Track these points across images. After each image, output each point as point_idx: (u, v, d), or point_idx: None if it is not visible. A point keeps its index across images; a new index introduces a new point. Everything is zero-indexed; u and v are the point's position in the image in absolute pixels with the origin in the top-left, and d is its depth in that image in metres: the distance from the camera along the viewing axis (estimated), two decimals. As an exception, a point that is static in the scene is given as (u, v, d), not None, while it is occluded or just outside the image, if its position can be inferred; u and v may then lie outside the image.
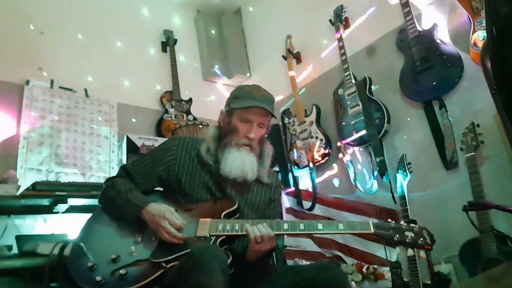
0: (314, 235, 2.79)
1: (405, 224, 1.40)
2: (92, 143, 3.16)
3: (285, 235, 2.37)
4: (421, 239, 1.35)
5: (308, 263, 2.52)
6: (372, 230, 1.36)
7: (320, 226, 1.38)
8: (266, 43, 4.11)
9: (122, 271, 1.34)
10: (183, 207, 1.50)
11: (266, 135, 1.65)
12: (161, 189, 1.65)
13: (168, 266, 1.33)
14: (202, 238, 1.39)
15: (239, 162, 1.52)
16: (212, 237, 1.39)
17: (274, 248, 1.44)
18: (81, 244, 1.43)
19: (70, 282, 1.40)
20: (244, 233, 1.38)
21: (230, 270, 1.30)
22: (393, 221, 1.40)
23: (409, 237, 1.35)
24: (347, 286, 1.33)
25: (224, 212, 1.47)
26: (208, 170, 1.57)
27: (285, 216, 2.74)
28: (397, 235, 1.36)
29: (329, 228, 1.39)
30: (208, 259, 1.18)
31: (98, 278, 1.33)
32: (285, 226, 1.40)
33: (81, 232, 1.51)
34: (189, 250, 1.32)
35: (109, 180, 1.62)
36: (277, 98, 3.86)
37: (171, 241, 1.37)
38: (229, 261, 1.31)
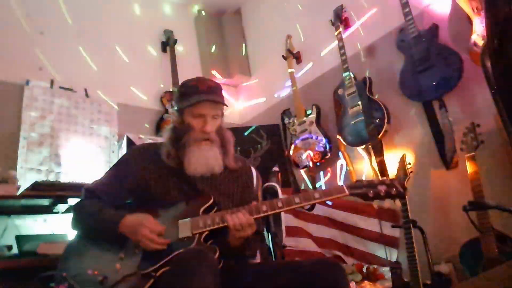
0: (314, 235, 2.79)
1: (376, 179, 1.47)
2: (92, 143, 3.16)
3: (284, 234, 2.38)
4: (394, 189, 1.44)
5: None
6: (347, 192, 1.42)
7: (297, 199, 1.41)
8: (266, 43, 4.11)
9: None
10: (160, 214, 1.47)
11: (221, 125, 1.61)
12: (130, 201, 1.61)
13: (157, 274, 1.32)
14: (185, 239, 1.38)
15: (203, 159, 1.50)
16: (195, 236, 1.39)
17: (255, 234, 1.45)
18: (64, 275, 1.38)
19: None
20: (225, 224, 1.38)
21: (219, 264, 1.30)
22: (365, 179, 1.47)
23: (382, 191, 1.43)
24: (346, 283, 1.32)
25: (202, 209, 1.45)
26: (174, 173, 1.54)
27: (285, 216, 2.73)
28: (371, 191, 1.43)
29: (306, 199, 1.42)
30: (196, 263, 1.17)
31: None
32: (264, 208, 1.41)
33: (61, 262, 1.46)
34: (175, 253, 1.31)
35: (76, 205, 1.56)
36: (277, 98, 3.87)
37: (155, 248, 1.35)
38: (216, 255, 1.31)
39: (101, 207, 1.48)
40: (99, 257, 1.41)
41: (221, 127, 1.58)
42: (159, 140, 3.16)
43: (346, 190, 1.42)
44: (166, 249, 1.36)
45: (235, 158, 1.64)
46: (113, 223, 1.41)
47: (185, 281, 1.14)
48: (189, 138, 1.52)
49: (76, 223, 1.52)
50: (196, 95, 1.51)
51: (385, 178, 1.49)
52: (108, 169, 1.64)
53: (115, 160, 3.17)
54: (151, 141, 3.11)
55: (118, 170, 1.58)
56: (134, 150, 1.65)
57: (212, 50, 4.18)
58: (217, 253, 1.33)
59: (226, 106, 1.58)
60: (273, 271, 1.41)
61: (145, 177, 1.54)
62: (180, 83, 3.90)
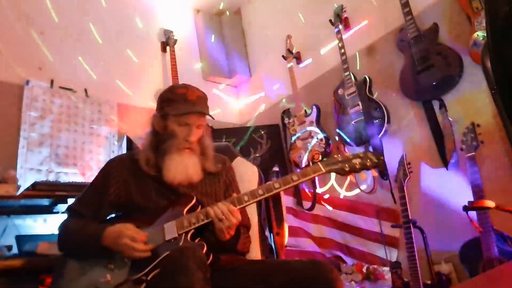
0: (314, 235, 2.80)
1: (350, 154, 1.52)
2: (92, 143, 3.16)
3: (287, 233, 2.38)
4: (368, 160, 1.49)
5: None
6: (324, 169, 1.44)
7: (277, 185, 1.42)
8: (266, 43, 4.11)
9: None
10: (144, 221, 1.46)
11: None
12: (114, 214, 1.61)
13: (149, 277, 1.31)
14: (172, 240, 1.37)
15: (182, 167, 1.50)
16: (181, 235, 1.38)
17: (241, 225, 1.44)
18: None
19: None
20: (209, 219, 1.38)
21: (208, 260, 1.30)
22: (339, 156, 1.51)
23: (357, 163, 1.47)
24: (339, 284, 1.31)
25: (186, 209, 1.45)
26: (154, 180, 1.54)
27: (285, 216, 2.74)
28: (346, 165, 1.46)
29: (286, 184, 1.43)
30: (184, 260, 1.16)
31: None
32: (246, 198, 1.42)
33: (53, 281, 1.46)
34: (164, 255, 1.31)
35: (61, 226, 1.55)
36: (277, 98, 3.87)
37: (138, 256, 1.35)
38: (204, 250, 1.31)
39: (84, 224, 1.49)
40: (89, 271, 1.41)
41: (202, 135, 1.59)
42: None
43: (322, 168, 1.44)
44: (153, 253, 1.35)
45: (215, 160, 1.63)
46: (96, 237, 1.40)
47: (175, 279, 1.14)
48: (171, 145, 1.52)
49: (62, 243, 1.52)
50: (184, 104, 1.50)
51: (358, 152, 1.52)
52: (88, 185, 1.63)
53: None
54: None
55: (97, 185, 1.57)
56: (109, 163, 1.63)
57: (212, 50, 4.18)
58: (205, 248, 1.33)
59: (213, 118, 1.58)
60: (265, 270, 1.39)
61: (125, 188, 1.53)
62: (179, 83, 3.89)
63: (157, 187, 1.53)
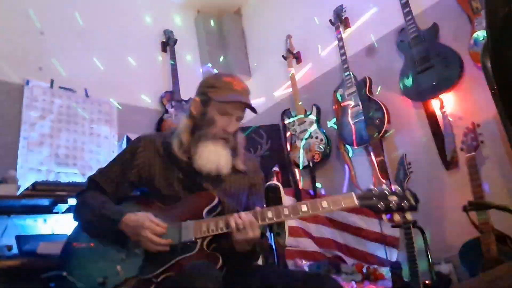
0: (314, 235, 2.79)
1: (387, 189, 1.37)
2: (92, 143, 3.16)
3: (286, 236, 2.37)
4: (405, 201, 1.35)
5: (308, 263, 2.52)
6: (357, 203, 1.34)
7: (304, 208, 1.34)
8: (266, 43, 4.11)
9: None
10: (162, 209, 1.43)
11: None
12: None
13: (158, 279, 1.29)
14: (188, 243, 1.34)
15: (215, 157, 1.45)
16: (198, 240, 1.35)
17: (259, 239, 1.39)
18: (64, 273, 1.36)
19: None
20: (229, 230, 1.33)
21: (222, 272, 1.28)
22: (375, 188, 1.38)
23: (393, 202, 1.34)
24: None
25: (206, 210, 1.41)
26: (181, 166, 1.49)
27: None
28: (381, 203, 1.34)
29: (314, 208, 1.34)
30: (201, 283, 1.13)
31: None
32: (269, 214, 1.35)
33: (62, 257, 1.43)
34: (177, 259, 1.30)
35: (80, 196, 1.52)
36: (277, 98, 3.87)
37: (156, 249, 1.32)
38: (219, 265, 1.29)
39: (103, 202, 1.44)
40: (100, 257, 1.38)
41: (238, 130, 1.55)
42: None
43: (356, 201, 1.34)
44: (167, 252, 1.33)
45: (245, 159, 1.59)
46: (114, 220, 1.37)
47: None
48: (207, 133, 1.47)
49: (78, 215, 1.49)
50: (230, 93, 1.46)
51: (397, 187, 1.38)
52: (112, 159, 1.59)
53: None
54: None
55: (123, 162, 1.53)
56: (139, 141, 1.56)
57: (212, 50, 4.17)
58: (220, 262, 1.30)
59: (256, 113, 1.53)
60: (266, 278, 1.37)
61: (149, 170, 1.49)
62: (179, 83, 3.89)
63: (182, 177, 1.49)
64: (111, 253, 1.38)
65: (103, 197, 1.47)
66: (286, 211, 1.35)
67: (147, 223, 1.33)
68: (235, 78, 1.53)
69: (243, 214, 1.34)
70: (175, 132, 1.54)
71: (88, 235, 1.44)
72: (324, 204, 1.35)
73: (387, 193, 1.36)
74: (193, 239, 1.34)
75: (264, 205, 1.69)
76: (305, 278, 1.31)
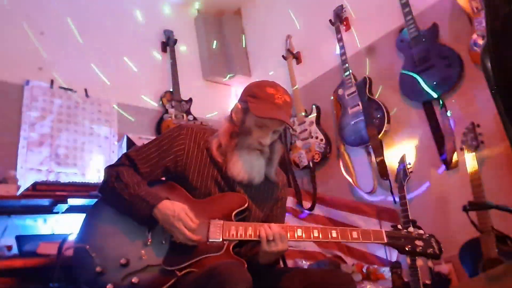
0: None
1: (415, 232, 1.42)
2: (92, 143, 3.16)
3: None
4: (431, 249, 1.39)
5: (308, 263, 2.52)
6: (386, 240, 1.38)
7: (334, 234, 1.37)
8: (266, 43, 4.11)
9: (134, 279, 1.27)
10: (191, 202, 1.42)
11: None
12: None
13: (180, 274, 1.29)
14: (215, 243, 1.34)
15: (248, 166, 1.45)
16: (225, 242, 1.34)
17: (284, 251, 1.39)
18: (86, 246, 1.33)
19: (75, 284, 1.34)
20: (257, 238, 1.33)
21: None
22: (402, 229, 1.43)
23: (420, 247, 1.38)
24: None
25: (235, 212, 1.41)
26: (216, 166, 1.49)
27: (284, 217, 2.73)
28: (409, 245, 1.38)
29: (344, 237, 1.38)
30: (235, 282, 1.13)
31: (109, 286, 1.27)
32: (299, 232, 1.36)
33: (83, 229, 1.40)
34: (203, 257, 1.29)
35: (112, 168, 1.46)
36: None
37: (187, 243, 1.31)
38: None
39: (139, 180, 1.41)
40: (124, 237, 1.36)
41: (276, 140, 1.54)
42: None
43: (385, 238, 1.38)
44: (193, 248, 1.32)
45: (277, 171, 1.59)
46: (150, 203, 1.34)
47: None
48: (243, 142, 1.46)
49: (108, 189, 1.43)
50: (270, 107, 1.43)
51: (423, 232, 1.43)
52: (150, 141, 1.56)
53: (114, 160, 3.16)
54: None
55: (161, 145, 1.50)
56: (182, 129, 1.54)
57: (212, 50, 4.18)
58: (245, 267, 1.29)
59: (292, 128, 1.53)
60: (283, 277, 1.38)
61: (185, 159, 1.48)
62: (179, 83, 3.88)
63: (215, 174, 1.49)
64: (136, 234, 1.36)
65: (138, 177, 1.43)
66: (316, 233, 1.36)
67: (182, 215, 1.32)
68: (278, 89, 1.48)
69: (273, 225, 1.34)
70: (216, 133, 1.54)
71: (113, 211, 1.41)
72: (355, 234, 1.37)
73: (414, 236, 1.41)
74: (220, 240, 1.34)
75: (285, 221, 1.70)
76: (321, 273, 1.34)
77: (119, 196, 1.38)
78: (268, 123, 1.44)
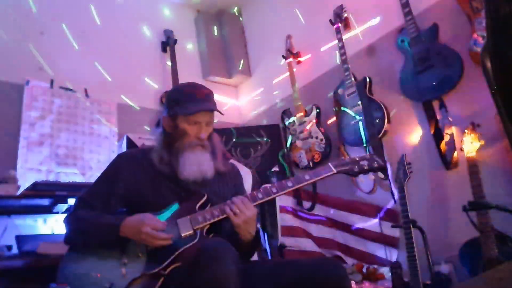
0: (314, 235, 2.79)
1: (357, 156, 1.60)
2: (92, 143, 3.16)
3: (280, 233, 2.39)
4: (375, 162, 1.57)
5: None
6: (335, 170, 1.52)
7: (290, 183, 1.47)
8: (266, 43, 4.11)
9: None
10: (156, 215, 1.45)
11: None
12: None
13: (166, 272, 1.31)
14: (188, 236, 1.37)
15: (196, 164, 1.51)
16: (197, 231, 1.38)
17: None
18: (66, 286, 1.36)
19: None
20: (224, 215, 1.39)
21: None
22: (347, 157, 1.62)
23: (365, 165, 1.56)
24: (348, 282, 1.32)
25: (198, 205, 1.45)
26: (166, 177, 1.54)
27: (285, 215, 2.73)
28: (356, 166, 1.55)
29: (298, 182, 1.48)
30: (222, 252, 1.18)
31: None
32: (259, 195, 1.44)
33: (61, 274, 1.41)
34: (181, 249, 1.32)
35: (70, 216, 1.52)
36: (277, 98, 3.87)
37: (159, 244, 1.34)
38: None
39: (98, 214, 1.48)
40: (101, 265, 1.39)
41: (212, 132, 1.60)
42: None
43: (333, 169, 1.52)
44: (170, 247, 1.35)
45: (223, 161, 1.65)
46: (114, 226, 1.39)
47: (211, 269, 1.14)
48: (183, 144, 1.53)
49: (73, 233, 1.49)
50: (193, 103, 1.51)
51: (364, 154, 1.60)
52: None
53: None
54: (151, 141, 3.09)
55: (108, 177, 1.57)
56: (122, 157, 1.63)
57: (212, 50, 4.18)
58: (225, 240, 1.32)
59: (222, 114, 1.59)
60: (274, 269, 1.41)
61: (136, 184, 1.53)
62: (179, 83, 3.89)
63: (168, 184, 1.54)
64: (111, 259, 1.39)
65: (96, 211, 1.49)
66: (274, 190, 1.45)
67: (147, 220, 1.36)
68: (196, 86, 1.59)
69: (234, 197, 1.41)
70: (153, 149, 1.60)
71: (83, 250, 1.44)
72: (307, 177, 1.49)
73: (358, 159, 1.58)
74: (192, 231, 1.37)
75: None
76: (312, 263, 1.36)
77: (84, 233, 1.45)
78: (199, 117, 1.52)
